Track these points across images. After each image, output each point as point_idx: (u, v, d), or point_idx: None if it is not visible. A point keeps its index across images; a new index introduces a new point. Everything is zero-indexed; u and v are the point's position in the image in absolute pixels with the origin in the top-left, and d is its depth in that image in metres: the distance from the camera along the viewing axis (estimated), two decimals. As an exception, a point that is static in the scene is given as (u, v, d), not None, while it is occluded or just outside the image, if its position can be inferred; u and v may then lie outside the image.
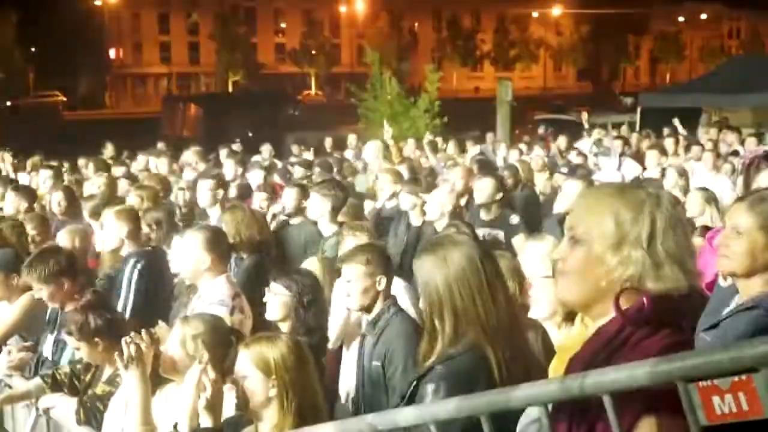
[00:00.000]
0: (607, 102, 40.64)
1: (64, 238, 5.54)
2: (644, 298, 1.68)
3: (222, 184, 6.88)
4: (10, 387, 4.35)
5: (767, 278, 2.72)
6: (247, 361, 2.81)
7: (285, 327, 3.90)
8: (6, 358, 4.47)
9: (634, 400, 1.52)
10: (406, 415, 1.93)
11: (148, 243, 5.33)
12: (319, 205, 5.81)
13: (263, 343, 2.88)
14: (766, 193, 2.82)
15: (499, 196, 6.44)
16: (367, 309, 3.77)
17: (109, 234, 5.05)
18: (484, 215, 6.46)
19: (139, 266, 4.87)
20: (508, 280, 4.18)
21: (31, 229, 5.95)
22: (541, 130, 19.60)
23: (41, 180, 8.62)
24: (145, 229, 5.88)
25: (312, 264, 4.65)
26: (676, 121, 13.90)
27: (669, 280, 1.70)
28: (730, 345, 1.41)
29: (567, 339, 3.18)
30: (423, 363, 2.67)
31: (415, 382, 2.63)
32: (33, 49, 58.18)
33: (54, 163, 10.63)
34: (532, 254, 4.09)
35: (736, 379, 1.38)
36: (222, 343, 3.27)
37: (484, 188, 6.45)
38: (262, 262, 5.10)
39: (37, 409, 4.03)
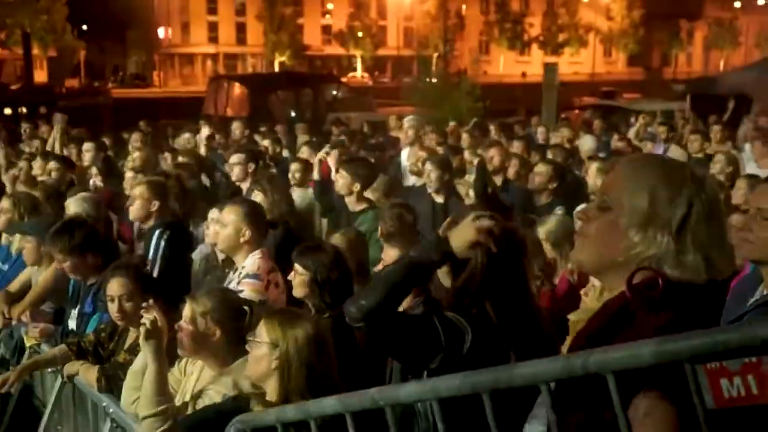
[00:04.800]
0: (657, 88, 39.87)
1: (73, 206, 5.55)
2: (658, 279, 1.60)
3: (254, 157, 6.87)
4: (39, 354, 4.41)
5: None
6: (262, 329, 2.86)
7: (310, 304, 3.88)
8: (31, 324, 4.53)
9: (639, 380, 1.45)
10: (408, 390, 1.88)
11: (174, 215, 5.34)
12: (346, 182, 5.81)
13: (283, 317, 2.93)
14: None
15: (553, 185, 6.39)
16: None
17: (138, 205, 5.07)
18: (536, 201, 6.45)
19: (166, 236, 4.87)
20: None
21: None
22: (587, 116, 19.28)
23: (84, 152, 8.72)
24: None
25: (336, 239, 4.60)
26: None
27: (688, 270, 1.61)
28: (740, 325, 1.33)
29: (578, 313, 3.11)
30: None
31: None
32: (84, 28, 59.07)
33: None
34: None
35: (746, 360, 1.29)
36: (232, 317, 3.26)
37: (539, 174, 6.42)
38: (290, 234, 5.09)
39: (62, 375, 4.08)
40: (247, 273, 4.18)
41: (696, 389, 1.33)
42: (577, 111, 23.68)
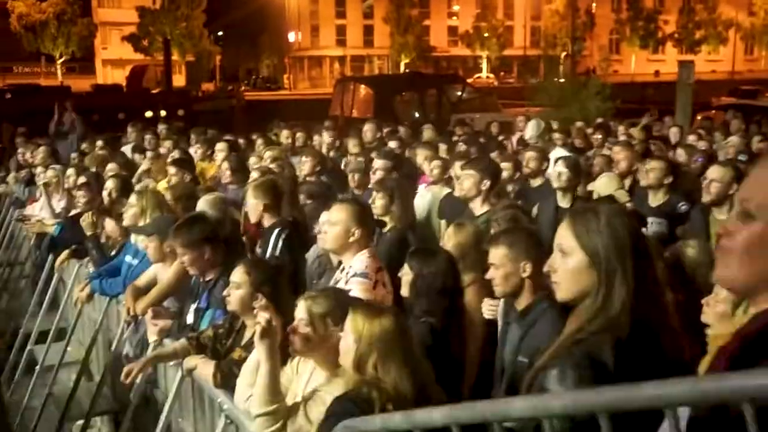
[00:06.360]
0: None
1: (201, 205, 5.69)
2: None
3: (399, 165, 6.78)
4: (161, 347, 4.53)
5: None
6: (348, 322, 2.94)
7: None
8: (151, 322, 4.64)
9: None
10: (519, 406, 1.75)
11: (290, 214, 5.36)
12: (474, 180, 5.63)
13: (364, 311, 2.98)
14: None
15: (669, 180, 6.03)
16: (512, 296, 3.57)
17: (251, 207, 5.13)
18: (651, 200, 6.07)
19: (283, 235, 4.90)
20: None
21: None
22: (727, 116, 18.24)
23: (217, 152, 8.96)
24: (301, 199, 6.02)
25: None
26: None
27: None
28: None
29: (721, 326, 2.85)
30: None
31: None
32: (220, 34, 61.65)
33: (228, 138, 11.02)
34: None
35: None
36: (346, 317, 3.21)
37: (652, 170, 6.07)
38: (405, 236, 5.01)
39: (182, 369, 4.17)
40: (355, 272, 4.16)
41: None
42: (714, 111, 22.45)
